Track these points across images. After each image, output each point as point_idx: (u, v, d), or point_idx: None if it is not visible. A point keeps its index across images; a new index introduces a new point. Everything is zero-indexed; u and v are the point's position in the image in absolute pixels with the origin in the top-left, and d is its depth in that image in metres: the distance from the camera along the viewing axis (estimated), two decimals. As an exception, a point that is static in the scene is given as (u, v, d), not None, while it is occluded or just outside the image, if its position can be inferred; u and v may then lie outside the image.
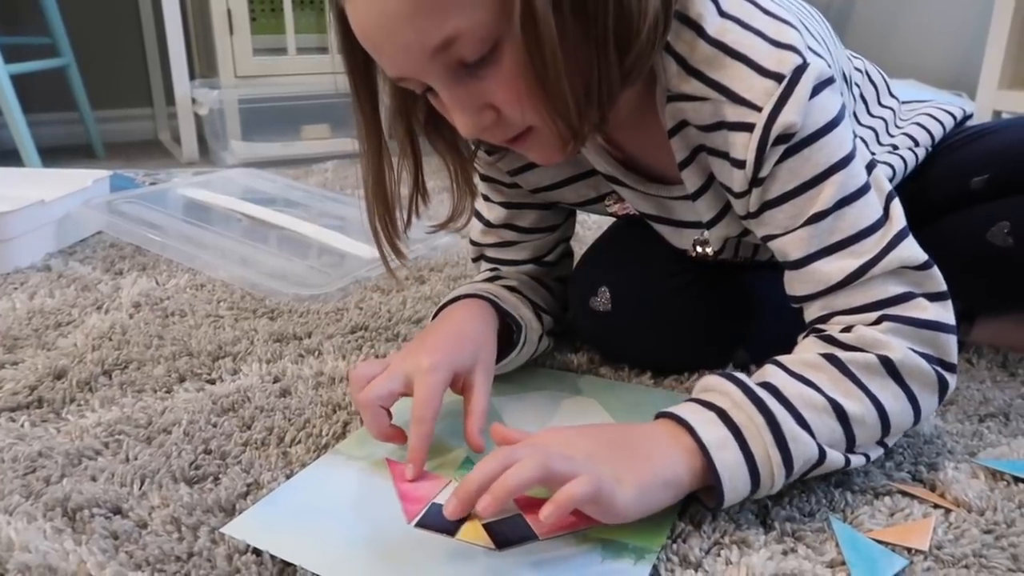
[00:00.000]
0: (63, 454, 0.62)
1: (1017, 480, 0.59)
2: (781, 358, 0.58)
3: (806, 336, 0.61)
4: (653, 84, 0.61)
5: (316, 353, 0.82)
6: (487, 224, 0.81)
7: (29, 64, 1.79)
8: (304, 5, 2.28)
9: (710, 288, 0.76)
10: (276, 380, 0.76)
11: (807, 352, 0.58)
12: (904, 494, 0.58)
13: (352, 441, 0.65)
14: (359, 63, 0.60)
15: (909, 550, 0.52)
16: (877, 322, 0.57)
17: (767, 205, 0.59)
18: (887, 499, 0.57)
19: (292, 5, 2.03)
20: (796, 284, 0.60)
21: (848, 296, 0.58)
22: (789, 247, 0.59)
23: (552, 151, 0.59)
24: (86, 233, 1.22)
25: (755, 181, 0.58)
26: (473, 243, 0.84)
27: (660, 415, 0.56)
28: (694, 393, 0.58)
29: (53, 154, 1.95)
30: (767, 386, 0.55)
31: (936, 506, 0.57)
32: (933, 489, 0.59)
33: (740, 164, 0.58)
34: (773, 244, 0.60)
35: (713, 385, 0.56)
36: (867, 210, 0.57)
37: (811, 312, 0.61)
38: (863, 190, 0.57)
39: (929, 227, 0.69)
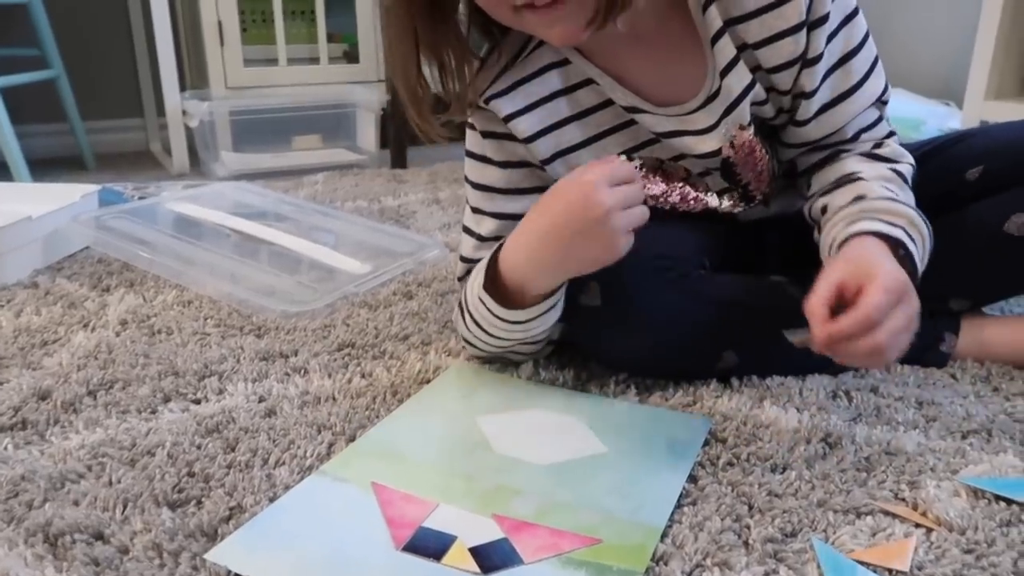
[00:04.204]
0: (46, 478, 0.62)
1: (999, 499, 0.60)
2: (873, 182, 0.71)
3: (839, 157, 0.75)
4: None
5: (302, 371, 0.82)
6: (479, 239, 0.81)
7: (18, 76, 1.78)
8: (295, 15, 2.28)
9: (700, 286, 0.76)
10: (261, 400, 0.76)
11: (877, 169, 0.73)
12: (886, 513, 0.58)
13: (337, 462, 0.65)
14: None
15: (890, 571, 0.52)
16: (888, 136, 0.76)
17: (826, 37, 0.69)
18: (869, 519, 0.57)
19: (283, 15, 2.03)
20: (820, 127, 0.74)
21: (871, 131, 0.75)
22: (825, 89, 0.72)
23: (581, 21, 0.63)
24: (74, 248, 1.22)
25: (810, 12, 0.67)
26: (464, 259, 0.84)
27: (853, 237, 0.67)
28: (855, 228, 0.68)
29: (43, 165, 1.94)
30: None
31: (918, 525, 0.57)
32: (915, 508, 0.59)
33: None
34: (807, 97, 0.71)
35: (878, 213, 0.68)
36: (872, 47, 0.73)
37: (829, 149, 0.75)
38: (867, 29, 0.72)
39: (938, 224, 0.73)
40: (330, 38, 2.13)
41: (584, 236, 0.65)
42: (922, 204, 0.78)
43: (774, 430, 0.69)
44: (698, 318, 0.75)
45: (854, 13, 0.71)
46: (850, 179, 0.74)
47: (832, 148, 0.77)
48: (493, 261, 0.72)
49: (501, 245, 0.73)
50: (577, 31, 0.65)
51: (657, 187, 0.80)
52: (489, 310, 0.73)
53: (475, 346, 0.80)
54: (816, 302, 0.60)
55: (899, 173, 0.74)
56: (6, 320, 0.95)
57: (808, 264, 0.82)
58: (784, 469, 0.64)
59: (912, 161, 0.76)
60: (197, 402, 0.76)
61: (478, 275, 0.74)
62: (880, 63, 0.75)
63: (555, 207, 0.67)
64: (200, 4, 1.92)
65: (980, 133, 0.85)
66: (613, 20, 0.63)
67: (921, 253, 0.68)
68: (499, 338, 0.76)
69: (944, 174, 0.81)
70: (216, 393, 0.77)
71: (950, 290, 0.75)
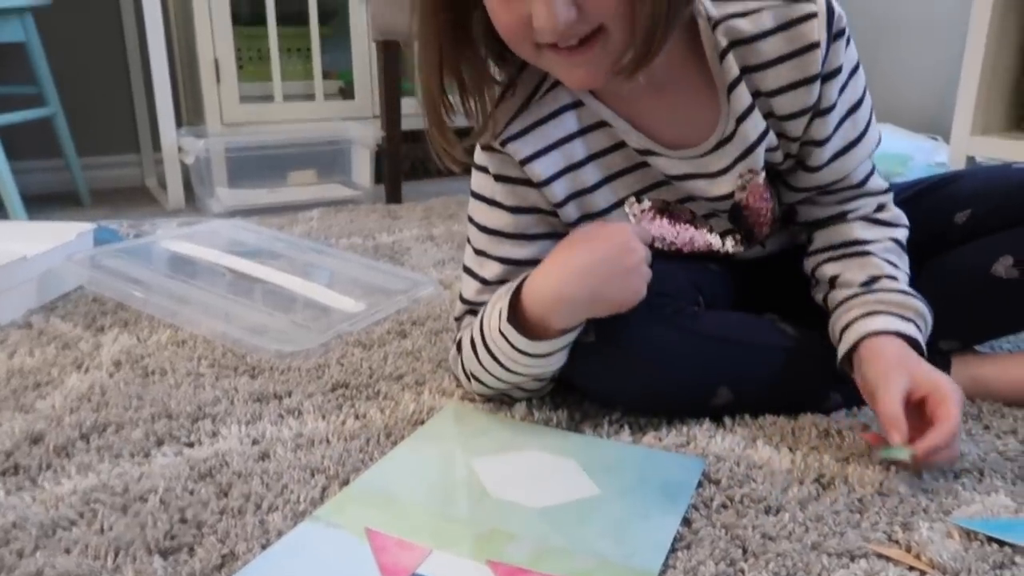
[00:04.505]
0: (37, 525, 0.62)
1: (991, 540, 0.60)
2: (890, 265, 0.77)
3: (846, 218, 0.79)
4: (688, 37, 0.70)
5: (296, 413, 0.82)
6: (482, 282, 0.81)
7: (15, 115, 1.80)
8: (291, 52, 2.30)
9: (694, 323, 0.77)
10: (255, 442, 0.76)
11: (882, 240, 0.78)
12: (880, 556, 0.58)
13: (331, 507, 0.65)
14: None
15: (884, 616, 0.52)
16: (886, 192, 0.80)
17: (838, 88, 0.72)
18: (863, 561, 0.58)
19: (279, 53, 2.06)
20: (831, 172, 0.76)
21: (871, 183, 0.79)
22: (837, 139, 0.74)
23: (606, 65, 0.65)
24: (69, 287, 1.22)
25: (825, 64, 0.70)
26: (465, 301, 0.83)
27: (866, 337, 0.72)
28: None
29: (38, 201, 1.95)
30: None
31: (912, 568, 0.57)
32: (909, 550, 0.59)
33: (815, 46, 0.68)
34: (819, 145, 0.74)
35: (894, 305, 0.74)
36: (869, 98, 0.76)
37: (838, 197, 0.79)
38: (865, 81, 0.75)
39: (927, 268, 0.78)
40: (326, 75, 2.16)
41: (618, 278, 0.69)
42: (913, 247, 0.80)
43: (767, 470, 0.69)
44: (692, 354, 0.76)
45: (858, 65, 0.74)
46: (859, 251, 0.78)
47: (837, 195, 0.80)
48: (516, 294, 0.73)
49: (522, 281, 0.73)
50: (597, 77, 0.66)
51: (665, 229, 0.81)
52: (511, 343, 0.72)
53: (483, 382, 0.80)
54: (900, 420, 0.66)
55: (899, 242, 0.80)
56: (0, 362, 0.95)
57: (798, 300, 0.83)
58: (778, 511, 0.64)
59: (906, 222, 0.81)
60: (190, 445, 0.76)
61: (496, 309, 0.74)
62: (874, 114, 0.78)
63: (593, 247, 0.70)
64: (197, 41, 1.94)
65: (967, 176, 0.87)
66: (640, 72, 0.65)
67: (926, 340, 0.75)
68: (515, 373, 0.76)
69: (933, 217, 0.83)
70: (209, 436, 0.77)
71: (940, 332, 0.76)
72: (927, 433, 0.65)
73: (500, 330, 0.73)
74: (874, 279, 0.76)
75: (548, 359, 0.74)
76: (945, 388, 0.67)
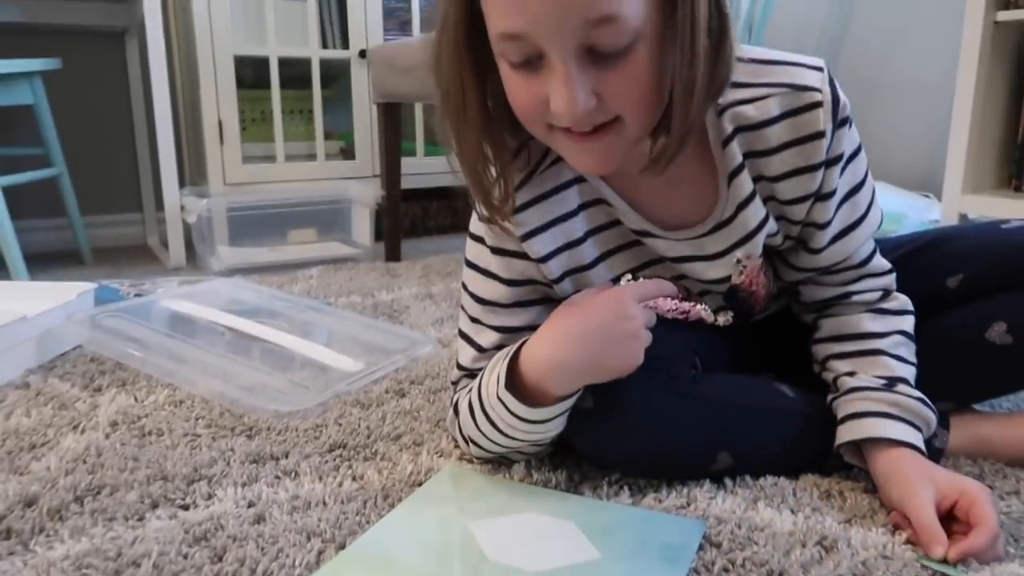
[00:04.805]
0: (28, 592, 0.61)
1: (998, 605, 0.59)
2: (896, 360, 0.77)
3: (850, 300, 0.79)
4: None
5: (292, 475, 0.81)
6: (479, 349, 0.81)
7: (21, 176, 1.83)
8: (293, 114, 2.35)
9: (691, 387, 0.76)
10: (251, 505, 0.75)
11: (891, 335, 0.78)
12: (885, 622, 0.57)
13: (327, 571, 0.64)
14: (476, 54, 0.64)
15: None
16: (889, 277, 0.80)
17: (839, 172, 0.72)
18: (868, 629, 0.56)
19: (282, 115, 2.10)
20: (832, 254, 0.76)
21: (873, 263, 0.79)
22: (838, 221, 0.74)
23: (617, 154, 0.66)
24: (67, 347, 1.22)
25: (829, 152, 0.70)
26: (461, 368, 0.83)
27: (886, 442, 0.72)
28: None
29: (40, 260, 1.97)
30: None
31: (918, 635, 0.56)
32: (914, 616, 0.58)
33: (820, 135, 0.69)
34: (820, 228, 0.74)
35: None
36: (871, 181, 0.76)
37: (839, 279, 0.79)
38: (867, 164, 0.76)
39: (921, 330, 0.78)
40: (327, 136, 2.21)
41: (616, 345, 0.68)
42: None
43: (769, 533, 0.69)
44: (690, 419, 0.75)
45: (859, 148, 0.75)
46: (870, 348, 0.78)
47: (840, 275, 0.80)
48: (513, 361, 0.72)
49: (519, 347, 0.73)
50: (607, 164, 0.67)
51: (660, 303, 0.81)
52: (510, 410, 0.72)
53: (481, 446, 0.79)
54: (940, 533, 0.65)
55: (907, 334, 0.79)
56: (-5, 422, 0.95)
57: (793, 358, 0.84)
58: (780, 575, 0.63)
59: (912, 308, 0.81)
60: (185, 508, 0.75)
61: (494, 375, 0.73)
62: (876, 194, 0.78)
63: (590, 314, 0.70)
64: (202, 104, 1.99)
65: (958, 237, 0.87)
66: (667, 165, 0.65)
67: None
68: (513, 438, 0.75)
69: (926, 279, 0.84)
70: (205, 498, 0.76)
71: (935, 394, 0.76)
72: (969, 537, 0.64)
73: (498, 396, 0.72)
74: (889, 382, 0.76)
75: (546, 425, 0.73)
76: (972, 490, 0.67)
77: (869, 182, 0.77)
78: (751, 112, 0.70)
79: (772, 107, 0.69)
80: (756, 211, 0.74)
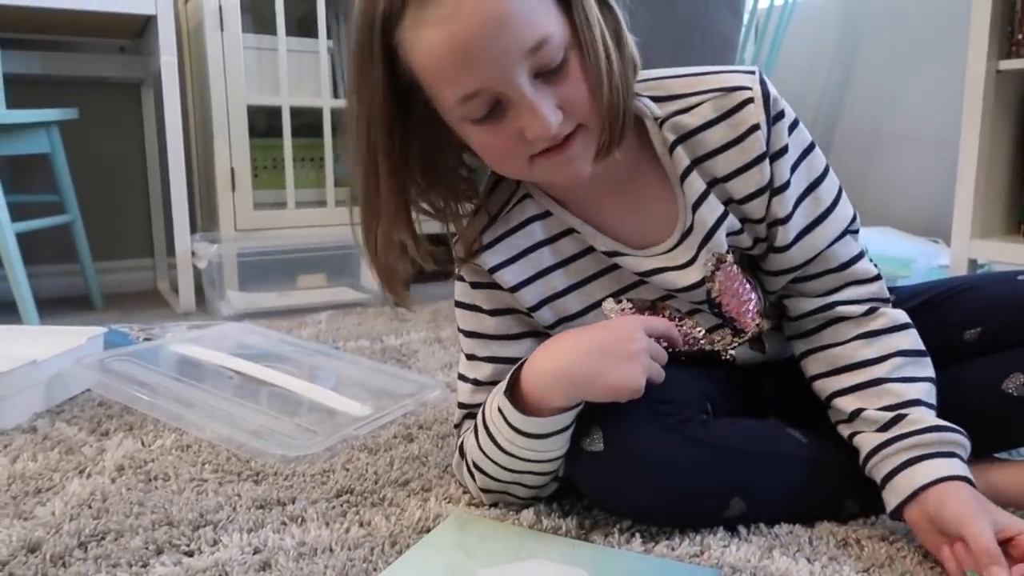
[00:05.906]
0: (28, 640, 0.59)
1: (1024, 658, 0.57)
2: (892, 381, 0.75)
3: (835, 311, 0.79)
4: (639, 136, 0.75)
5: (299, 520, 0.80)
6: (475, 383, 0.83)
7: (35, 222, 1.85)
8: (304, 162, 2.38)
9: (702, 432, 0.75)
10: (256, 551, 0.74)
11: (890, 357, 0.76)
12: (908, 676, 0.56)
13: (332, 621, 0.62)
14: (396, 109, 0.69)
15: None
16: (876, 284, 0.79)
17: (790, 168, 0.74)
18: None
19: (293, 162, 2.13)
20: (802, 251, 0.77)
21: (857, 267, 0.79)
22: (800, 216, 0.76)
23: (588, 156, 0.69)
24: (76, 391, 1.22)
25: (770, 144, 0.73)
26: (462, 405, 0.84)
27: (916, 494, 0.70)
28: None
29: (51, 305, 1.98)
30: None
31: None
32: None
33: (756, 127, 0.72)
34: (783, 223, 0.75)
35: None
36: (834, 178, 0.78)
37: (822, 286, 0.79)
38: (827, 163, 0.78)
39: (939, 381, 0.77)
40: (337, 182, 2.23)
41: (615, 361, 0.70)
42: None
43: (785, 582, 0.67)
44: (701, 464, 0.74)
45: (811, 147, 0.77)
46: (871, 379, 0.76)
47: (820, 280, 0.80)
48: (516, 371, 0.74)
49: (524, 362, 0.74)
50: (585, 167, 0.70)
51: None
52: (507, 420, 0.73)
53: (484, 471, 0.79)
54: (1000, 556, 0.64)
55: (905, 352, 0.77)
56: (2, 467, 0.94)
57: (802, 403, 0.83)
58: (798, 626, 0.61)
59: (906, 320, 0.79)
60: (190, 554, 0.74)
61: (497, 387, 0.76)
62: (844, 193, 0.79)
63: (596, 331, 0.74)
64: (215, 152, 2.02)
65: (974, 287, 0.87)
66: (613, 151, 0.70)
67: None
68: (513, 456, 0.75)
69: (943, 331, 0.83)
70: (210, 544, 0.75)
71: None
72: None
73: (498, 406, 0.74)
74: (898, 416, 0.73)
75: (543, 442, 0.73)
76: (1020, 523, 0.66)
77: (831, 178, 0.78)
78: (688, 120, 0.74)
79: (707, 111, 0.73)
80: (712, 207, 0.76)
